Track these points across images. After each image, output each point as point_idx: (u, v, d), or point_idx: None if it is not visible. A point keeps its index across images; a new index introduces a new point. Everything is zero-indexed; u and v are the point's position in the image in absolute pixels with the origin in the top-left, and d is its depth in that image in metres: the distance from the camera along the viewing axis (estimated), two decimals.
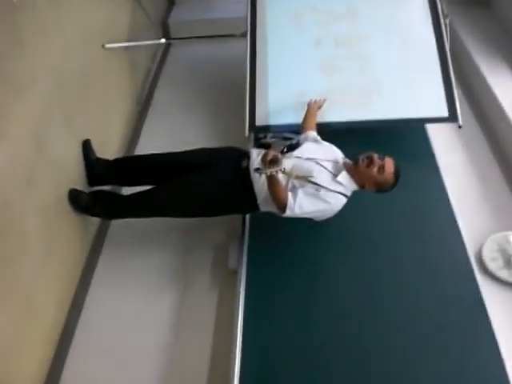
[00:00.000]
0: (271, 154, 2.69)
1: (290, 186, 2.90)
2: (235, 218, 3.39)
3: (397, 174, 2.91)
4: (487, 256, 3.12)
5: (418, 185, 3.42)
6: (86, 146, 3.41)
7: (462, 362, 2.57)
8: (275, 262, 3.09)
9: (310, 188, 2.86)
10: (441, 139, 3.92)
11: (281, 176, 2.77)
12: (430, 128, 3.95)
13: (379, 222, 3.28)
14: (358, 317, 2.79)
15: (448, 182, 3.49)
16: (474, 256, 3.06)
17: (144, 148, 4.25)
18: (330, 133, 3.35)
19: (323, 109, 3.60)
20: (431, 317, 2.76)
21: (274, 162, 2.68)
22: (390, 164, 2.89)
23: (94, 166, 3.39)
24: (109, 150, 3.79)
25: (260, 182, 2.92)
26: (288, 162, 2.89)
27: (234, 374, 2.56)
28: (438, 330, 2.70)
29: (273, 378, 2.58)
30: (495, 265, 3.08)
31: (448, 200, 3.35)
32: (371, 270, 3.01)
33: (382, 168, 2.87)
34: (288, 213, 2.84)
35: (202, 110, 4.68)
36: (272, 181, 2.77)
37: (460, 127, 3.70)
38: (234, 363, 2.60)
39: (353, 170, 2.95)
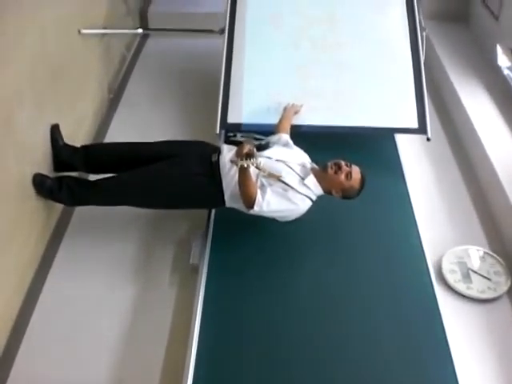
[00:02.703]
0: (247, 147, 2.73)
1: (258, 184, 2.91)
2: (200, 214, 3.38)
3: (363, 181, 2.99)
4: (446, 268, 3.16)
5: (383, 193, 3.45)
6: (55, 130, 3.36)
7: (415, 369, 2.58)
8: (238, 261, 3.08)
9: (278, 188, 2.90)
10: (409, 150, 3.98)
11: (252, 171, 2.78)
12: (400, 138, 3.99)
13: (342, 229, 3.30)
14: (317, 322, 2.78)
15: (413, 193, 3.53)
16: (433, 267, 3.11)
17: (113, 137, 4.19)
18: (301, 135, 3.38)
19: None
20: (389, 323, 2.78)
21: (250, 155, 2.70)
22: (356, 171, 2.98)
23: (61, 152, 3.35)
24: (78, 136, 3.74)
25: (229, 177, 2.93)
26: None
27: (188, 373, 2.52)
28: (394, 336, 2.72)
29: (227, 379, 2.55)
30: (453, 277, 3.12)
31: (412, 211, 3.39)
32: (332, 276, 3.01)
33: (349, 174, 2.95)
34: (256, 209, 2.86)
35: (174, 104, 4.65)
36: (244, 174, 2.78)
37: (429, 140, 3.73)
38: (190, 361, 2.56)
39: (320, 176, 3.00)
